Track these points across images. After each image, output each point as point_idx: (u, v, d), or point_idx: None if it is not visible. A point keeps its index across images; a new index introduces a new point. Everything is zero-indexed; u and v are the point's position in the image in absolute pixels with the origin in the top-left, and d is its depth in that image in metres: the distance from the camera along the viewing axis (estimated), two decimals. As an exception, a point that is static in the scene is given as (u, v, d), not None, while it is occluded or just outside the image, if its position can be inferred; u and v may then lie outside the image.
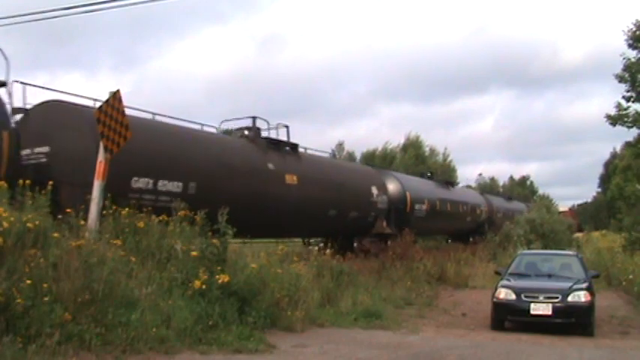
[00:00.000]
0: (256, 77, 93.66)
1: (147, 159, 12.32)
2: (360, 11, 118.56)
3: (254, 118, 17.17)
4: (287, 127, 17.97)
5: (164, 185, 12.44)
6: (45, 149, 11.64)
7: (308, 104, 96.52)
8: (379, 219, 21.76)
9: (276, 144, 17.31)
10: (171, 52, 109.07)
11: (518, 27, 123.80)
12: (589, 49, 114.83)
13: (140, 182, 11.89)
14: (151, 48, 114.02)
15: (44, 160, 11.57)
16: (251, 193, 15.06)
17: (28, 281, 6.63)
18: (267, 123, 17.65)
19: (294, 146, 18.22)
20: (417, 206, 24.37)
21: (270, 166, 16.39)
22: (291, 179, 16.90)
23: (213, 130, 16.80)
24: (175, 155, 13.17)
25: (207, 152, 14.41)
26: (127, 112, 10.43)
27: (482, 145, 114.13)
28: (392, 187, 23.35)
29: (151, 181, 12.11)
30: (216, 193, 13.36)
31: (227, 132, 17.45)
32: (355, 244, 21.06)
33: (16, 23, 13.53)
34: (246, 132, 17.05)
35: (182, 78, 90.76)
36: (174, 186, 12.65)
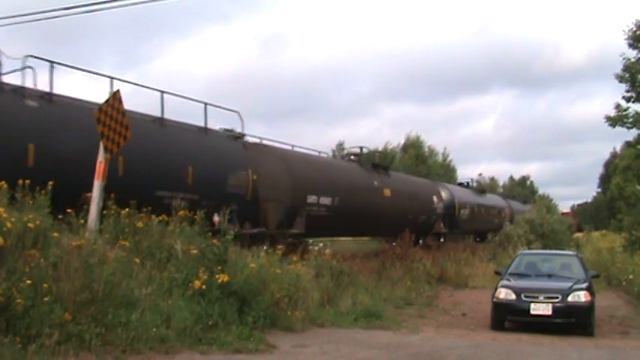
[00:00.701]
0: (258, 77, 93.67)
1: (312, 182, 18.23)
2: (362, 11, 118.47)
3: (361, 148, 24.31)
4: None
5: (322, 200, 18.47)
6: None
7: (309, 104, 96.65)
8: (437, 221, 28.30)
9: (375, 166, 24.13)
10: (172, 52, 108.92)
11: (520, 27, 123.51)
12: (591, 48, 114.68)
13: (311, 198, 17.94)
14: (152, 48, 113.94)
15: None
16: (366, 203, 21.16)
17: (28, 281, 6.62)
18: None
19: (386, 167, 25.83)
20: (462, 211, 30.77)
21: (375, 183, 22.76)
22: (387, 192, 23.22)
23: (326, 155, 23.58)
24: (326, 178, 19.30)
25: (342, 175, 21.07)
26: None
27: (483, 144, 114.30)
28: (444, 195, 29.50)
29: (315, 197, 18.13)
30: (349, 204, 19.82)
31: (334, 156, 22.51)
32: (420, 241, 25.85)
33: (16, 23, 13.55)
34: (352, 157, 24.15)
35: (183, 78, 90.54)
36: (328, 200, 18.70)
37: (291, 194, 17.23)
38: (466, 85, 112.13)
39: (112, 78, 12.39)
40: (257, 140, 18.35)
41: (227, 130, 17.01)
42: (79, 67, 13.25)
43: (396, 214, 23.62)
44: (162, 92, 13.79)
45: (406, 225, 23.20)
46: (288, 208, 17.10)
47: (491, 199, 40.32)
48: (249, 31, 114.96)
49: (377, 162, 25.06)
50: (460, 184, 37.94)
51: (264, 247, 11.88)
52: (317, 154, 21.56)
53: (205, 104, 15.34)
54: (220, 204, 13.14)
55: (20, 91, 10.95)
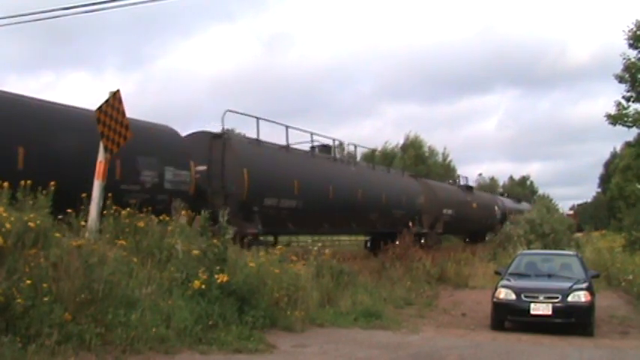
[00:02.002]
0: (261, 76, 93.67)
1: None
2: (367, 11, 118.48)
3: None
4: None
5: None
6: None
7: (312, 104, 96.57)
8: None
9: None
10: (176, 51, 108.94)
11: (525, 26, 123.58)
12: (596, 48, 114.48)
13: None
14: (157, 47, 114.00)
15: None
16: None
17: (28, 281, 6.62)
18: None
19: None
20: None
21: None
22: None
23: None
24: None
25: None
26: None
27: (485, 144, 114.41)
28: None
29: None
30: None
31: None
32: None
33: (16, 23, 13.56)
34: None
35: (187, 77, 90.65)
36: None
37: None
38: (469, 84, 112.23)
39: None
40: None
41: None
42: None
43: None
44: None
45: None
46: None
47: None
48: (253, 31, 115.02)
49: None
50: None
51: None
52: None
53: None
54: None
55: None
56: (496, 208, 39.68)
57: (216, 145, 16.30)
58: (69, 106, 12.91)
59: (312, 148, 21.63)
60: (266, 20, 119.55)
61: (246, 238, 13.45)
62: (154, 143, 14.07)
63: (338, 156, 23.33)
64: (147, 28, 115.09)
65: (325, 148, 22.63)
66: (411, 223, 25.15)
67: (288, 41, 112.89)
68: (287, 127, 19.33)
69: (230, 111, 17.01)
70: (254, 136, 17.95)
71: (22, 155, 10.62)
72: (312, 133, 20.99)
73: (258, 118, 17.89)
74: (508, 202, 44.39)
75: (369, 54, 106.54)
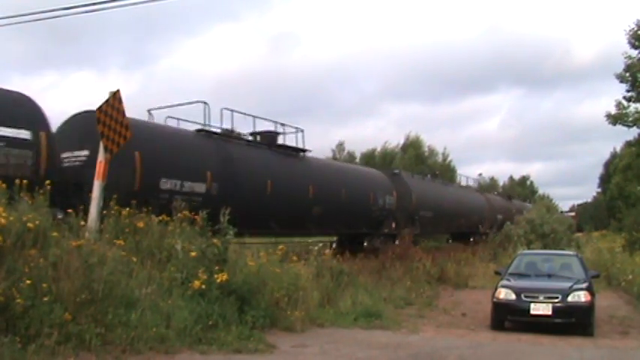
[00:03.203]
0: (265, 76, 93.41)
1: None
2: (370, 11, 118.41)
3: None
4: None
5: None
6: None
7: (315, 103, 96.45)
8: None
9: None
10: (180, 51, 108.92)
11: (530, 26, 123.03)
12: (601, 47, 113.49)
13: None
14: (160, 46, 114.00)
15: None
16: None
17: (28, 281, 6.63)
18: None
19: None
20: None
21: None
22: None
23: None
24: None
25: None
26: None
27: (487, 144, 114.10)
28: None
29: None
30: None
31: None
32: (365, 243, 23.93)
33: (17, 23, 13.54)
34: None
35: (191, 77, 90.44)
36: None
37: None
38: (473, 84, 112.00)
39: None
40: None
41: None
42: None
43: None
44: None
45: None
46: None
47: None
48: (258, 30, 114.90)
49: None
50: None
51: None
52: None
53: None
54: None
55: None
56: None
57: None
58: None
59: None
60: (271, 20, 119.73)
61: None
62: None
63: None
64: (150, 28, 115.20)
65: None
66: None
67: (293, 41, 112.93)
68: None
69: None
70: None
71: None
72: (254, 117, 18.44)
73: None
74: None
75: (372, 54, 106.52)
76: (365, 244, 22.65)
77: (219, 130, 16.85)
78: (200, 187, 14.66)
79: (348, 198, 20.72)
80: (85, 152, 12.50)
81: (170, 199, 12.63)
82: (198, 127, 16.21)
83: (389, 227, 23.31)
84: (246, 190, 16.13)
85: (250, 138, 18.84)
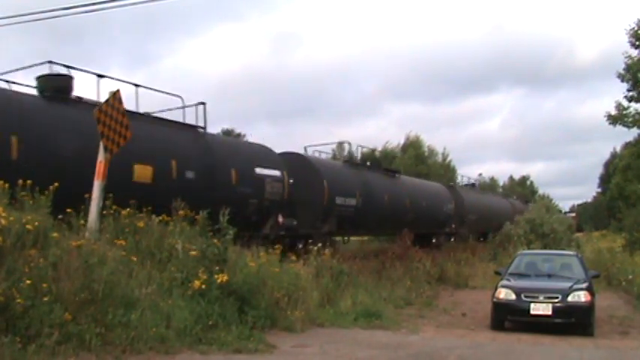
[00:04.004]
0: (267, 76, 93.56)
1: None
2: (371, 11, 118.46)
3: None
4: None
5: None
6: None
7: (316, 103, 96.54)
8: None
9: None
10: (182, 51, 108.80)
11: (532, 26, 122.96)
12: (604, 47, 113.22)
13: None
14: (162, 46, 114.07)
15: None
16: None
17: (28, 281, 6.63)
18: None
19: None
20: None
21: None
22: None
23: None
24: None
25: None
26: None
27: (488, 144, 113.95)
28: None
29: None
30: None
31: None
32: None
33: (16, 23, 13.54)
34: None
35: (193, 76, 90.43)
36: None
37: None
38: (474, 84, 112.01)
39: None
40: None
41: None
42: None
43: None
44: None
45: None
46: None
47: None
48: (260, 30, 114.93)
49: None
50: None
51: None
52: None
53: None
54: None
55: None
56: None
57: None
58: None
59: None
60: (273, 20, 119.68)
61: None
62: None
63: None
64: (152, 27, 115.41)
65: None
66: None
67: (295, 41, 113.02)
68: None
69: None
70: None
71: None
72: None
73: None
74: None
75: (373, 54, 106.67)
76: (433, 240, 28.11)
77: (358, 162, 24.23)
78: (352, 202, 20.80)
79: (427, 207, 27.21)
80: (291, 180, 17.78)
81: (340, 210, 19.96)
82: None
83: (449, 227, 29.76)
84: (376, 202, 22.43)
85: (368, 163, 24.84)
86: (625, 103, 24.16)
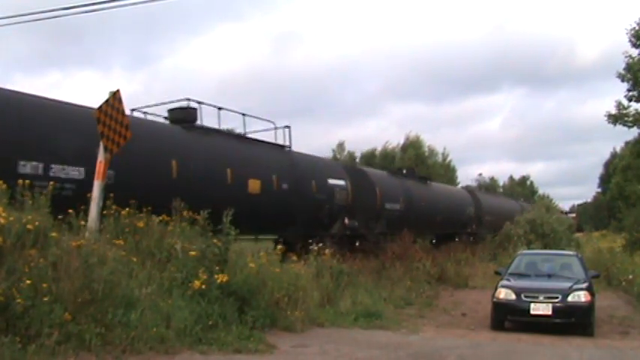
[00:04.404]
0: (268, 76, 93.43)
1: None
2: (373, 10, 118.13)
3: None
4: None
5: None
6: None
7: (317, 103, 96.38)
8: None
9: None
10: (184, 50, 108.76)
11: (533, 25, 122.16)
12: (605, 47, 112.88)
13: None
14: (163, 46, 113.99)
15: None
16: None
17: (28, 281, 6.62)
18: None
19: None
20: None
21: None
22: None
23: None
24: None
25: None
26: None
27: (489, 144, 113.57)
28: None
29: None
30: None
31: None
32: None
33: (16, 23, 13.54)
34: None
35: (194, 76, 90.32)
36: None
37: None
38: (475, 84, 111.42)
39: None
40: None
41: None
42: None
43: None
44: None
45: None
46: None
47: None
48: (262, 29, 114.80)
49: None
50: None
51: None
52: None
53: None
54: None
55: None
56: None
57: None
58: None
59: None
60: (274, 19, 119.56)
61: None
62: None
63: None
64: (153, 27, 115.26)
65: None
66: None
67: (296, 40, 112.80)
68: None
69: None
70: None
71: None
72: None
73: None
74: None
75: (374, 53, 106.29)
76: (457, 239, 30.03)
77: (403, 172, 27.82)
78: (397, 206, 23.55)
79: (453, 210, 30.40)
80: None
81: (390, 213, 22.82)
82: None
83: (471, 227, 32.77)
84: (416, 207, 25.19)
85: (404, 172, 28.24)
86: (625, 102, 24.16)
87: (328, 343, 8.89)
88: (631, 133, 25.82)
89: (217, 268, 9.06)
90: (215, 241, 9.55)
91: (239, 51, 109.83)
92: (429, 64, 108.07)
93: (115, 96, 10.04)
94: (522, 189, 75.73)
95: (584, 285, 11.90)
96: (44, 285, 6.78)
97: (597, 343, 10.53)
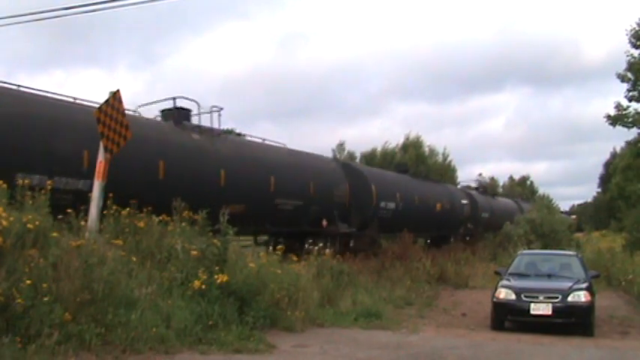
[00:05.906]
0: (273, 76, 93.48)
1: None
2: (378, 11, 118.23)
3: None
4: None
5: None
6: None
7: (321, 103, 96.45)
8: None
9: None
10: (188, 49, 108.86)
11: (539, 25, 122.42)
12: (611, 46, 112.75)
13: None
14: (168, 44, 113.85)
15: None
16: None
17: (28, 281, 6.62)
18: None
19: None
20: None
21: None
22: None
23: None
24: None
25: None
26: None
27: (493, 143, 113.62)
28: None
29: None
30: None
31: None
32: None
33: (16, 23, 13.53)
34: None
35: (199, 75, 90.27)
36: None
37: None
38: (480, 83, 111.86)
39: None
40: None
41: None
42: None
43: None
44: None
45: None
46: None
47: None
48: (267, 29, 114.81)
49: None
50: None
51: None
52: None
53: None
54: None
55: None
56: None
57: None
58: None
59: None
60: (279, 19, 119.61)
61: None
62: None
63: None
64: (158, 26, 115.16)
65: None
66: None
67: (301, 41, 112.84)
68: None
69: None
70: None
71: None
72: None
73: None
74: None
75: (379, 53, 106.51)
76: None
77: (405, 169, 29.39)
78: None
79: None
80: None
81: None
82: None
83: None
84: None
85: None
86: (625, 103, 24.15)
87: (328, 343, 8.89)
88: (631, 133, 25.79)
89: (217, 268, 9.06)
90: (215, 241, 9.56)
91: (244, 50, 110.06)
92: (434, 64, 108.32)
93: (115, 96, 10.04)
94: (522, 189, 75.64)
95: (584, 285, 11.90)
96: (44, 285, 6.78)
97: (597, 343, 10.53)
